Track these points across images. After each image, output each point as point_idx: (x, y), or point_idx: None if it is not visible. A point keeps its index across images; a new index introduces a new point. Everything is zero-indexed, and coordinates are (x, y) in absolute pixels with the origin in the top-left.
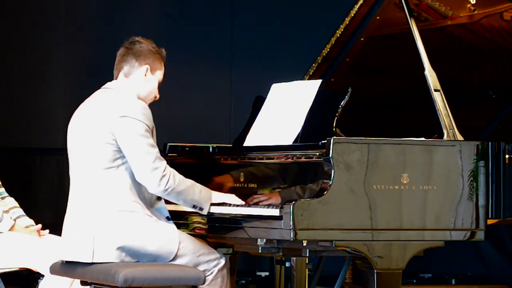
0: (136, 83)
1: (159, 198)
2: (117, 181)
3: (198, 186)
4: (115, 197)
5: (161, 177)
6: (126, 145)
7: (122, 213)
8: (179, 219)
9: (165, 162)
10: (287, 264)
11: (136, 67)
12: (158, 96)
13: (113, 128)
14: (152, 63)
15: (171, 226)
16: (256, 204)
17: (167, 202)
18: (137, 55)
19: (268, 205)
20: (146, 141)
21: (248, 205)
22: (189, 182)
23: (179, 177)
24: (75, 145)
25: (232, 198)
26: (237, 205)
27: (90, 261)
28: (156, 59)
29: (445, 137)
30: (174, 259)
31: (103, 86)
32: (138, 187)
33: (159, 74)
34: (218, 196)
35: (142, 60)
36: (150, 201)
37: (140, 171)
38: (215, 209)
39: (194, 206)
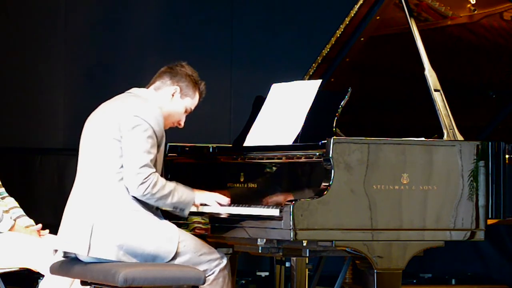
0: (162, 99)
1: None
2: (121, 179)
3: (179, 191)
4: (118, 194)
5: (141, 183)
6: (125, 142)
7: (124, 210)
8: (179, 219)
9: (152, 170)
10: (287, 264)
11: (167, 85)
12: (182, 124)
13: (122, 125)
14: (185, 87)
15: (172, 226)
16: (260, 204)
17: None
18: (173, 75)
19: (269, 205)
20: (145, 145)
21: (248, 205)
22: (170, 188)
23: (160, 184)
24: (87, 141)
25: (215, 197)
26: (237, 205)
27: (86, 254)
28: (190, 86)
29: (445, 137)
30: (174, 258)
31: (128, 91)
32: None
33: (188, 101)
34: (201, 197)
35: (175, 81)
36: None
37: (126, 170)
38: (215, 209)
39: (175, 208)
